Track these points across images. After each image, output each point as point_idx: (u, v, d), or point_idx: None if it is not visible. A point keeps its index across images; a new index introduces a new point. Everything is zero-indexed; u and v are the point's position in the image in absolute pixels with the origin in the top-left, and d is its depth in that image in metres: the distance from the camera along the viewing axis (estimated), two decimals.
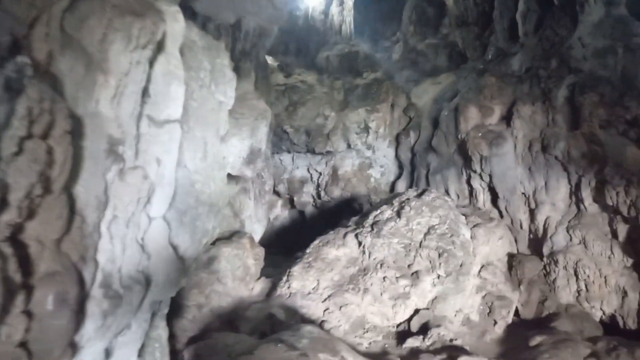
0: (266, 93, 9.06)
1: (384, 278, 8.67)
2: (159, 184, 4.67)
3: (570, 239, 10.58)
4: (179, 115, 4.79)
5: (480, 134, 11.97)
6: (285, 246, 15.08)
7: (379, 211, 9.45)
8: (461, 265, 8.52)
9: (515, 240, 11.77)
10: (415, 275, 8.56)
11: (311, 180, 17.13)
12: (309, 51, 17.73)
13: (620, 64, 10.24)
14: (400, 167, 15.75)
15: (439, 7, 16.29)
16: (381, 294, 8.59)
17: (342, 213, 16.68)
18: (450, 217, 8.97)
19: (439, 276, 8.45)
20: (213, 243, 10.10)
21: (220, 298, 9.39)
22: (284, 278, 9.32)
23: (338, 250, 9.37)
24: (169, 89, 4.58)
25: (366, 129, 15.56)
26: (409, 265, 8.72)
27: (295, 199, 17.73)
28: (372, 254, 8.96)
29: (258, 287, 9.91)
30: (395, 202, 9.36)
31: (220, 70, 6.13)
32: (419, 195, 9.32)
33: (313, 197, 17.43)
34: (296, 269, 9.29)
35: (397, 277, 8.64)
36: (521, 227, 11.67)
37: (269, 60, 16.96)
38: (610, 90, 9.91)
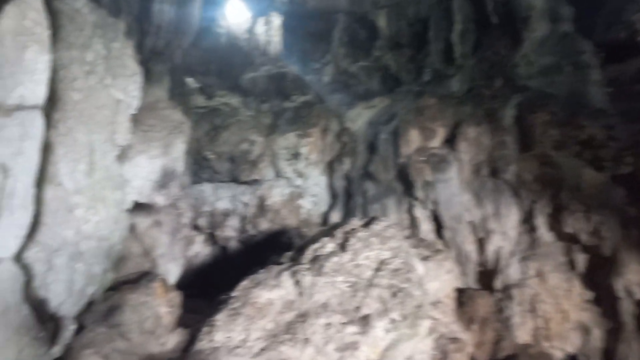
0: (183, 105, 7.49)
1: (327, 325, 7.16)
2: (5, 206, 2.98)
3: (525, 272, 9.69)
4: (42, 99, 3.17)
5: (422, 158, 10.99)
6: (207, 288, 13.23)
7: (319, 244, 7.99)
8: (418, 306, 7.21)
9: (463, 274, 10.76)
10: (365, 320, 7.13)
11: (235, 212, 15.43)
12: (232, 72, 16.27)
13: (567, 81, 9.68)
14: (334, 196, 14.48)
15: (371, 28, 15.54)
16: (325, 345, 7.05)
17: (270, 248, 15.07)
18: (403, 250, 7.70)
19: (393, 320, 7.06)
20: (113, 289, 8.20)
21: (123, 358, 7.50)
22: (205, 329, 7.56)
23: (271, 292, 7.78)
24: (23, 55, 2.95)
25: (297, 155, 14.22)
26: (356, 308, 7.27)
27: (217, 233, 15.88)
28: (313, 296, 7.45)
29: (172, 341, 8.10)
30: (338, 234, 7.96)
31: (118, 58, 4.55)
32: (367, 225, 7.99)
33: (238, 231, 15.69)
34: (220, 317, 7.58)
35: (343, 323, 7.15)
36: (469, 259, 10.68)
37: (189, 81, 15.42)
38: (560, 108, 9.27)
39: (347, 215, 13.40)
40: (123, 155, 4.87)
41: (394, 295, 7.13)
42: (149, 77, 6.57)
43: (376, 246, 7.48)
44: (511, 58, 10.66)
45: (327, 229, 8.66)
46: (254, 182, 14.78)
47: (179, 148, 6.70)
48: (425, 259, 9.32)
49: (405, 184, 11.55)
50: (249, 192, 15.15)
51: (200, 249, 16.97)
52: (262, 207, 14.63)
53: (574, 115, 9.05)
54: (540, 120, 9.22)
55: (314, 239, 8.41)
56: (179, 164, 6.91)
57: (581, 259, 9.09)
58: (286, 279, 7.95)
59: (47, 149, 3.37)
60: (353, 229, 7.86)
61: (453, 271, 10.25)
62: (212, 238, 16.45)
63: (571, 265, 9.18)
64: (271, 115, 14.76)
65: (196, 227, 15.97)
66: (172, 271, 10.84)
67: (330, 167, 14.50)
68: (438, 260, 9.57)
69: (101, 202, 3.83)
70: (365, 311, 7.21)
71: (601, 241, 8.50)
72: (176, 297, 8.81)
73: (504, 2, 11.17)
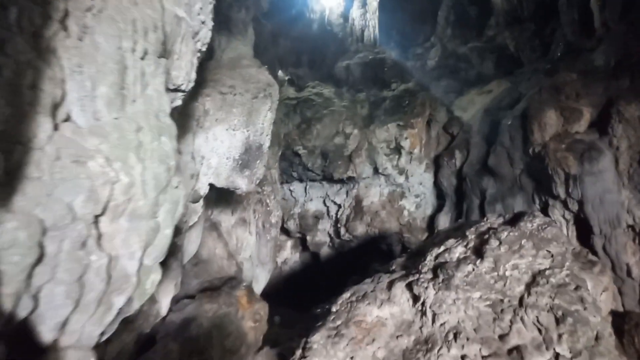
0: (270, 69, 5.97)
1: (461, 358, 5.29)
2: None
3: None
4: None
5: (564, 146, 8.77)
6: (297, 298, 11.75)
7: (443, 248, 6.13)
8: (597, 338, 5.14)
9: (620, 293, 8.40)
10: (516, 353, 5.16)
11: (328, 214, 13.85)
12: (325, 62, 14.84)
13: None
14: (442, 196, 12.49)
15: (483, 3, 13.43)
16: None
17: (367, 256, 13.38)
18: (568, 258, 5.65)
19: (557, 356, 5.04)
20: (192, 297, 6.83)
21: None
22: (299, 353, 5.99)
23: (381, 310, 6.06)
24: None
25: (397, 149, 12.40)
26: (501, 337, 5.32)
27: (308, 238, 14.38)
28: (439, 317, 5.61)
29: None
30: (470, 235, 6.05)
31: None
32: (512, 222, 6.02)
33: (330, 235, 14.10)
34: (317, 339, 5.95)
35: (483, 357, 5.25)
36: (629, 274, 8.30)
37: (280, 73, 14.19)
38: None
39: (459, 218, 11.38)
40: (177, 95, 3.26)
41: (559, 320, 5.09)
42: (229, 26, 5.11)
43: (529, 252, 5.50)
44: None
45: (452, 229, 6.80)
46: (349, 181, 13.12)
47: (266, 117, 5.17)
48: (582, 271, 7.16)
49: (538, 179, 9.37)
50: (344, 192, 13.52)
51: (290, 255, 15.58)
52: (358, 209, 12.94)
53: None
54: None
55: (436, 242, 6.55)
56: (266, 137, 5.36)
57: None
58: (400, 292, 6.16)
59: (46, 55, 1.93)
60: (492, 228, 5.93)
61: (610, 289, 7.96)
62: (302, 243, 15.03)
63: None
64: (368, 105, 13.08)
65: (285, 231, 14.63)
66: (260, 277, 9.41)
67: (437, 164, 12.53)
68: (594, 275, 7.34)
69: (135, 153, 2.31)
70: (515, 341, 5.25)
71: None
72: (262, 308, 7.33)
73: None
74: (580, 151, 8.56)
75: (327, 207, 13.73)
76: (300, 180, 13.91)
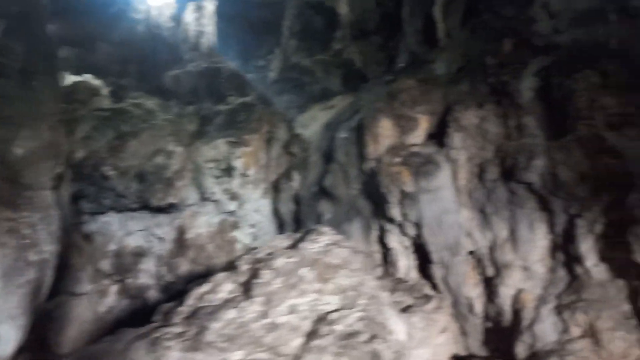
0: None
1: None
2: None
3: (566, 329, 6.04)
4: None
5: (399, 159, 7.43)
6: None
7: (210, 285, 4.23)
8: None
9: (463, 333, 7.05)
10: None
11: (151, 251, 11.47)
12: (154, 71, 12.73)
13: (616, 33, 6.34)
14: (282, 225, 10.73)
15: (330, 16, 12.26)
16: None
17: None
18: (365, 290, 3.99)
19: None
20: None
21: None
22: None
23: None
24: None
25: (228, 170, 10.50)
26: None
27: (128, 281, 11.80)
28: None
29: None
30: (244, 264, 4.23)
31: None
32: (296, 244, 4.28)
33: (155, 277, 11.66)
34: None
35: None
36: (472, 311, 6.98)
37: (95, 81, 11.90)
38: (616, 66, 5.86)
39: None
40: None
41: None
42: None
43: (312, 285, 3.76)
44: (522, 14, 7.33)
45: (235, 259, 4.94)
46: (173, 209, 10.99)
47: None
48: (406, 310, 5.62)
49: (375, 199, 7.95)
50: (167, 223, 11.35)
51: (115, 302, 12.81)
52: (181, 243, 10.79)
53: (639, 75, 5.67)
54: (585, 84, 5.81)
55: (204, 277, 4.64)
56: None
57: None
58: (142, 356, 4.13)
59: None
60: (270, 254, 4.15)
61: (449, 329, 6.57)
62: (125, 287, 12.45)
63: None
64: (198, 120, 11.11)
65: (101, 273, 11.99)
66: (7, 337, 6.87)
67: (277, 188, 10.82)
68: (427, 313, 5.88)
69: None
70: None
71: None
72: None
73: None
74: (415, 165, 7.25)
75: (150, 241, 11.40)
76: (118, 211, 11.46)
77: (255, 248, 4.78)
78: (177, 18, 12.65)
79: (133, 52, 12.85)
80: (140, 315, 12.61)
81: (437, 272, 7.19)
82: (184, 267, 10.64)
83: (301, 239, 4.31)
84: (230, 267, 4.42)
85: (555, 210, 6.22)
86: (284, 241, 4.52)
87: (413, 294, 6.30)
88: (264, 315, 3.69)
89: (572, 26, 6.60)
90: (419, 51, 9.99)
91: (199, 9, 12.62)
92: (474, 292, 6.98)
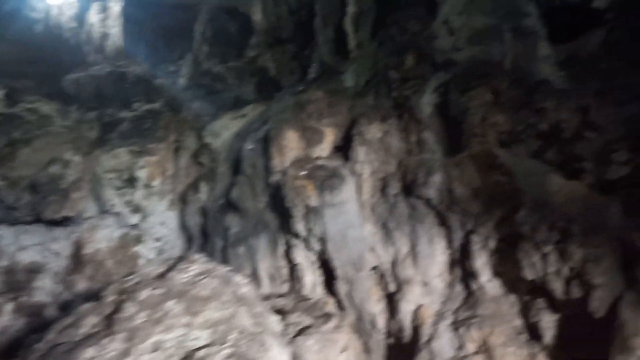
0: None
1: None
2: None
3: (462, 344, 6.07)
4: None
5: (304, 172, 7.25)
6: None
7: (71, 319, 3.81)
8: None
9: (366, 350, 6.95)
10: None
11: (47, 267, 10.62)
12: (55, 74, 11.86)
13: (510, 52, 6.51)
14: (190, 239, 10.26)
15: (244, 20, 11.94)
16: None
17: None
18: (238, 323, 3.71)
19: None
20: None
21: None
22: None
23: None
24: None
25: (131, 181, 9.94)
26: None
27: (22, 299, 10.87)
28: None
29: None
30: (110, 295, 3.84)
31: None
32: (165, 273, 3.95)
33: (53, 294, 10.81)
34: None
35: None
36: (375, 327, 6.91)
37: None
38: (508, 84, 5.99)
39: None
40: None
41: None
42: None
43: (179, 320, 3.45)
44: (426, 29, 7.39)
45: (101, 288, 4.51)
46: (70, 222, 10.24)
47: None
48: (303, 332, 5.41)
49: (281, 213, 7.71)
50: (63, 237, 10.57)
51: (10, 322, 11.80)
52: (78, 259, 10.06)
53: (528, 94, 5.82)
54: (478, 101, 5.90)
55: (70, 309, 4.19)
56: None
57: (550, 322, 5.62)
58: None
59: None
60: (137, 284, 3.80)
61: (351, 348, 6.44)
62: (20, 306, 11.45)
63: (533, 333, 5.71)
64: (99, 127, 10.44)
65: None
66: None
67: (183, 200, 10.34)
68: (325, 334, 5.69)
69: None
70: None
71: (587, 292, 5.09)
72: None
73: None
74: (320, 178, 7.09)
75: (47, 257, 10.56)
76: (10, 224, 10.54)
77: (131, 274, 4.38)
78: (80, 18, 11.81)
79: (30, 53, 11.89)
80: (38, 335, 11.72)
81: (341, 288, 7.05)
82: (82, 284, 9.92)
83: (172, 268, 3.98)
84: (97, 297, 4.01)
85: (452, 226, 6.26)
86: (156, 269, 4.16)
87: (314, 312, 6.11)
88: (125, 353, 3.33)
89: (470, 44, 6.73)
90: (331, 61, 9.90)
91: (104, 9, 11.86)
92: (377, 307, 6.90)
